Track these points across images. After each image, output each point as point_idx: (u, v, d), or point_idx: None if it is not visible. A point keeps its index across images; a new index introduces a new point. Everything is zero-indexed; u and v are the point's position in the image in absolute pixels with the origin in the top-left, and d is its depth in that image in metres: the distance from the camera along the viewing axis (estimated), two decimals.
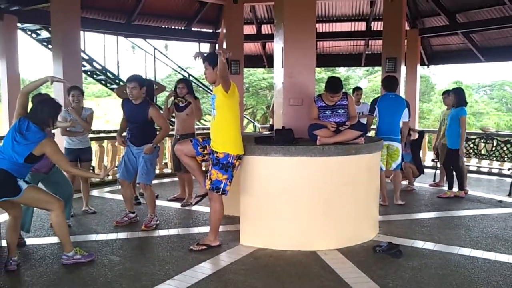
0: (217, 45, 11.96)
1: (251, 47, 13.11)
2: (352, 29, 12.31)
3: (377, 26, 11.81)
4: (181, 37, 12.15)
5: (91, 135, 6.53)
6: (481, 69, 49.24)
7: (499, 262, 4.09)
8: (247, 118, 17.32)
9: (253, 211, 4.52)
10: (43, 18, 8.75)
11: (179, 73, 13.71)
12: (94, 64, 11.03)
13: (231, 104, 4.25)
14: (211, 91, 4.73)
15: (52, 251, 4.36)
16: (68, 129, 5.54)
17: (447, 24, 10.69)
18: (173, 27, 11.73)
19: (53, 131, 4.61)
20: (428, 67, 12.93)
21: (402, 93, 9.63)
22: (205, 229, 4.92)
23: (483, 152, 8.27)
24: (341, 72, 25.78)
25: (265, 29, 12.53)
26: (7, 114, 8.64)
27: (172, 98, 6.20)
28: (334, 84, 4.94)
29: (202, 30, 12.20)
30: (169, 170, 8.83)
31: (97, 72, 11.26)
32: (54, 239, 4.63)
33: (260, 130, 12.77)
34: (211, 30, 12.28)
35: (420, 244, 4.59)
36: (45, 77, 4.19)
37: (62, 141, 5.57)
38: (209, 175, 4.32)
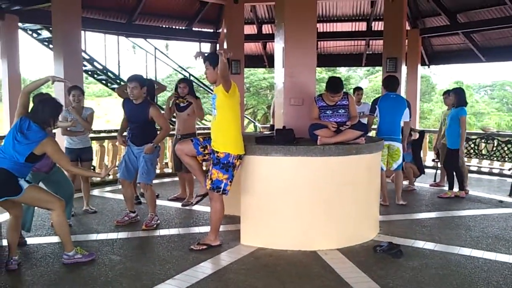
0: (217, 45, 11.97)
1: (251, 47, 13.12)
2: (353, 29, 12.32)
3: (378, 26, 11.82)
4: (182, 37, 12.17)
5: (91, 135, 6.54)
6: (482, 69, 49.28)
7: (499, 262, 4.08)
8: (248, 118, 17.32)
9: (253, 211, 4.52)
10: (44, 18, 8.77)
11: (180, 73, 13.73)
12: (95, 63, 11.05)
13: (232, 104, 4.25)
14: (212, 91, 4.72)
15: (53, 250, 4.37)
16: (68, 128, 5.55)
17: (447, 24, 10.69)
18: (173, 27, 11.74)
19: (53, 130, 4.61)
20: (428, 67, 12.93)
21: (402, 93, 9.63)
22: (206, 228, 4.93)
23: (483, 152, 8.28)
24: (342, 72, 25.78)
25: (266, 29, 12.53)
26: (8, 113, 8.66)
27: (174, 98, 6.21)
28: (334, 84, 4.94)
29: (202, 30, 12.21)
30: (169, 170, 8.83)
31: (98, 72, 11.27)
32: (54, 239, 4.63)
33: (261, 130, 12.77)
34: (211, 30, 12.29)
35: (420, 244, 4.59)
36: (46, 77, 4.20)
37: (62, 141, 5.58)
38: (209, 174, 4.32)
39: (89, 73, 11.41)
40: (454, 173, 6.87)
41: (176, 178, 7.36)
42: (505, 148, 7.84)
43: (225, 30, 10.84)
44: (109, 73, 11.34)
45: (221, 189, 4.29)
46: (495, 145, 8.03)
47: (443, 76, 33.24)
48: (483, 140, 8.28)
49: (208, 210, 4.78)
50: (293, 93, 5.47)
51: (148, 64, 12.16)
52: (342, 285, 3.59)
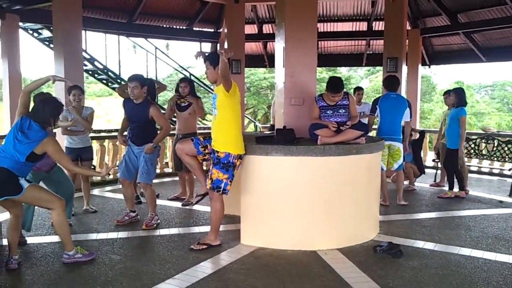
0: (218, 45, 11.97)
1: (252, 47, 13.11)
2: (354, 29, 12.31)
3: (379, 26, 11.81)
4: (183, 36, 12.16)
5: (92, 134, 6.54)
6: (482, 69, 49.28)
7: (499, 262, 4.09)
8: (248, 118, 17.31)
9: (253, 211, 4.53)
10: (44, 17, 8.77)
11: (180, 72, 13.74)
12: (96, 63, 11.05)
13: (232, 104, 4.25)
14: (212, 90, 4.73)
15: (53, 250, 4.37)
16: (68, 128, 5.55)
17: (448, 24, 10.68)
18: (174, 26, 11.73)
19: (54, 130, 4.61)
20: (429, 67, 12.92)
21: (403, 93, 9.62)
22: (206, 228, 4.93)
23: (484, 152, 8.28)
24: (342, 72, 25.78)
25: (267, 28, 12.53)
26: (9, 113, 8.66)
27: (176, 99, 6.22)
28: (335, 84, 4.94)
29: (203, 29, 12.21)
30: (170, 170, 8.84)
31: (99, 72, 11.27)
32: (55, 238, 4.64)
33: (261, 130, 12.77)
34: (212, 30, 12.28)
35: (420, 244, 4.59)
36: (47, 76, 4.20)
37: (63, 141, 5.58)
38: (209, 174, 4.32)
39: (90, 72, 11.41)
40: (453, 173, 6.87)
41: (176, 178, 7.37)
42: (506, 148, 7.84)
43: (225, 30, 10.84)
44: (109, 73, 11.34)
45: (221, 189, 4.29)
46: (496, 145, 8.03)
47: (443, 76, 33.31)
48: (483, 140, 8.28)
49: (208, 210, 4.79)
50: (294, 93, 5.47)
51: (148, 63, 12.16)
52: (342, 285, 3.60)
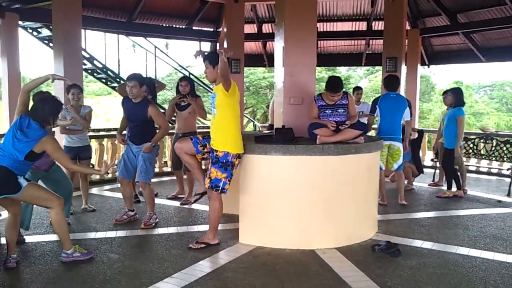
0: (217, 44, 11.97)
1: (251, 46, 13.12)
2: (353, 29, 12.32)
3: (378, 25, 11.82)
4: (182, 35, 12.16)
5: (91, 133, 6.55)
6: (481, 69, 49.29)
7: (497, 262, 4.10)
8: (247, 117, 17.32)
9: (252, 210, 4.53)
10: (44, 16, 8.77)
11: (180, 71, 13.75)
12: (95, 62, 11.05)
13: (232, 103, 4.26)
14: (212, 90, 4.73)
15: (51, 248, 4.38)
16: (67, 127, 5.55)
17: (448, 24, 10.69)
18: (174, 25, 11.73)
19: (53, 129, 4.61)
20: (428, 67, 12.93)
21: (402, 93, 9.62)
22: (204, 227, 4.94)
23: (482, 152, 8.29)
24: (342, 71, 25.77)
25: (266, 28, 12.53)
26: (8, 111, 8.66)
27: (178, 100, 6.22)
28: (334, 84, 4.94)
29: (203, 29, 12.21)
30: (168, 169, 8.83)
31: (98, 71, 11.27)
32: (53, 237, 4.64)
33: (260, 129, 12.78)
34: (212, 29, 12.28)
35: (418, 243, 4.60)
36: (46, 75, 4.20)
37: (61, 139, 5.58)
38: (208, 173, 4.33)
39: (89, 71, 11.41)
40: (451, 173, 6.88)
41: (175, 177, 7.37)
42: (504, 148, 7.85)
43: (225, 29, 10.84)
44: (109, 72, 11.34)
45: (220, 188, 4.30)
46: (494, 145, 8.04)
47: (443, 76, 33.30)
48: (482, 140, 8.29)
49: (207, 209, 4.79)
50: (293, 92, 5.48)
51: (148, 63, 12.18)
52: (340, 284, 3.60)
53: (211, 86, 11.12)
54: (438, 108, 23.78)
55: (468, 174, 7.69)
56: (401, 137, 6.17)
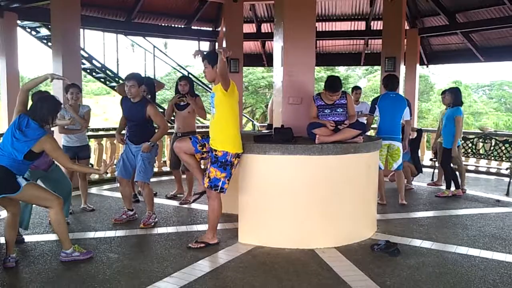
0: (216, 44, 11.97)
1: (250, 46, 13.12)
2: (352, 28, 12.32)
3: (377, 25, 11.82)
4: (181, 35, 12.16)
5: (90, 133, 6.54)
6: (480, 69, 49.32)
7: (496, 261, 4.11)
8: (246, 117, 17.34)
9: (251, 209, 4.53)
10: (43, 15, 8.76)
11: (179, 71, 13.74)
12: (94, 62, 11.03)
13: (231, 103, 4.26)
14: (211, 89, 4.73)
15: (51, 248, 4.37)
16: (65, 127, 5.55)
17: (446, 24, 10.69)
18: (172, 25, 11.73)
19: (52, 128, 4.61)
20: (427, 66, 12.94)
21: (401, 93, 9.63)
22: (204, 227, 4.94)
23: (481, 151, 8.30)
24: (341, 71, 25.78)
25: (265, 27, 12.53)
26: (7, 111, 8.64)
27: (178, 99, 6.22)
28: (333, 83, 4.94)
29: (201, 28, 12.21)
30: (168, 168, 8.82)
31: (97, 70, 11.26)
32: (52, 236, 4.64)
33: (259, 129, 12.78)
34: (210, 29, 12.28)
35: (417, 242, 4.61)
36: (45, 75, 4.20)
37: (60, 139, 5.57)
38: (207, 173, 4.33)
39: (88, 71, 11.39)
40: (450, 172, 6.89)
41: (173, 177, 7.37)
42: (503, 148, 7.86)
43: (224, 29, 10.84)
44: (107, 71, 11.32)
45: (219, 187, 4.30)
46: (493, 144, 8.05)
47: (441, 75, 33.26)
48: (481, 140, 8.30)
49: (206, 208, 4.79)
50: (292, 92, 5.48)
51: (147, 62, 12.16)
52: (340, 283, 3.61)
53: (210, 86, 11.12)
54: (437, 108, 23.81)
55: (467, 174, 7.70)
56: (401, 136, 6.17)
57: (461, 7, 10.27)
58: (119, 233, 4.90)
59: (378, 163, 5.30)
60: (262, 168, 4.48)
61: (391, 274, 3.79)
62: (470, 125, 22.91)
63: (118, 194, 6.19)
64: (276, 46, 5.68)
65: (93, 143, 7.71)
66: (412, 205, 6.25)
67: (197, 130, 6.56)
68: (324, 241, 4.44)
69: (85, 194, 5.91)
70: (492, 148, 8.05)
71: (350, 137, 4.71)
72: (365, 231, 4.80)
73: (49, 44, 9.29)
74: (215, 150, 4.27)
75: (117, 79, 11.26)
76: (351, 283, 3.58)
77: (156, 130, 5.25)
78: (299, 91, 5.47)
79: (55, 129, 5.61)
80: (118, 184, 5.43)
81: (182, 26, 11.81)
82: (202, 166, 4.88)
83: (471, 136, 8.46)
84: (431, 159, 8.37)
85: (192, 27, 11.89)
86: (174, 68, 14.60)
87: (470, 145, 8.22)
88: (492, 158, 8.15)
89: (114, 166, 6.63)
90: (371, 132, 7.57)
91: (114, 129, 7.71)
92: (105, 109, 27.91)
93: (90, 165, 6.38)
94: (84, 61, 10.34)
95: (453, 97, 6.75)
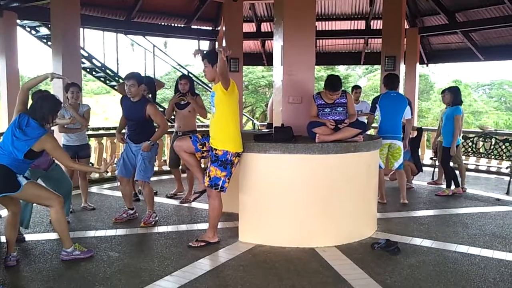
0: (216, 43, 11.96)
1: (250, 45, 13.12)
2: (352, 28, 12.32)
3: (377, 24, 11.83)
4: (181, 34, 12.15)
5: (90, 132, 6.54)
6: (480, 68, 49.29)
7: (496, 260, 4.11)
8: (246, 116, 17.32)
9: (251, 208, 4.54)
10: (42, 15, 8.77)
11: (179, 70, 13.74)
12: (94, 61, 11.02)
13: (231, 102, 4.26)
14: (211, 88, 4.74)
15: (51, 247, 4.38)
16: (65, 126, 5.55)
17: (446, 23, 10.69)
18: (172, 24, 11.72)
19: (52, 128, 4.61)
20: (427, 65, 12.94)
21: (401, 92, 9.63)
22: (204, 225, 4.95)
23: (481, 150, 8.30)
24: (341, 70, 25.79)
25: (265, 27, 12.53)
26: (7, 110, 8.64)
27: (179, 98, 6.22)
28: (333, 82, 4.94)
29: (201, 27, 12.20)
30: (168, 167, 8.83)
31: (97, 69, 11.26)
32: (53, 235, 4.64)
33: (259, 128, 12.78)
34: (210, 28, 12.28)
35: (418, 241, 4.61)
36: (45, 74, 4.20)
37: (60, 138, 5.57)
38: (208, 172, 4.33)
39: (88, 70, 11.39)
40: (450, 171, 6.89)
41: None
42: (503, 147, 7.87)
43: (224, 28, 10.83)
44: (107, 71, 11.32)
45: (219, 186, 4.30)
46: (493, 143, 8.06)
47: (441, 74, 33.29)
48: (481, 139, 8.30)
49: (206, 207, 4.80)
50: (292, 91, 5.48)
51: (146, 61, 12.15)
52: (340, 281, 3.61)
53: (210, 85, 11.12)
54: (437, 107, 23.82)
55: (467, 173, 7.71)
56: (402, 135, 6.16)
57: (461, 6, 10.27)
58: (120, 232, 4.90)
59: (378, 162, 5.30)
60: (262, 167, 4.48)
61: (391, 272, 3.79)
62: (470, 124, 22.92)
63: (118, 193, 6.20)
64: (276, 45, 5.68)
65: (93, 142, 7.72)
66: (412, 204, 6.26)
67: (198, 129, 6.56)
68: (325, 240, 4.44)
69: (85, 193, 5.91)
70: (492, 147, 8.06)
71: (350, 136, 4.72)
72: (365, 230, 4.80)
73: (49, 43, 9.29)
74: (215, 149, 4.28)
75: (117, 78, 11.26)
76: (351, 282, 3.58)
77: (156, 129, 5.26)
78: (299, 90, 5.48)
79: (55, 128, 5.62)
80: (118, 183, 5.43)
81: (182, 25, 11.80)
82: (203, 165, 4.88)
83: (471, 135, 8.46)
84: (431, 158, 8.38)
85: (192, 26, 11.89)
86: (174, 68, 14.60)
87: (470, 144, 8.22)
88: (492, 157, 8.16)
89: (114, 165, 6.63)
90: (371, 131, 7.56)
91: (114, 128, 7.71)
92: (105, 108, 27.91)
93: (90, 164, 6.37)
94: (84, 60, 10.34)
95: (453, 96, 6.76)
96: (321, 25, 12.06)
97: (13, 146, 3.73)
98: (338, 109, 5.01)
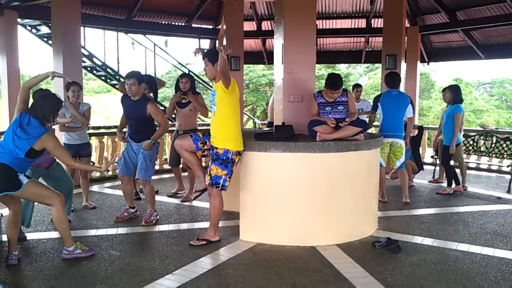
0: (217, 42, 11.96)
1: (251, 44, 13.12)
2: (352, 26, 12.32)
3: (377, 23, 11.82)
4: (181, 33, 12.17)
5: (91, 131, 6.54)
6: (481, 67, 49.28)
7: (497, 258, 4.11)
8: (247, 115, 17.32)
9: (252, 207, 4.54)
10: (43, 13, 8.77)
11: (179, 69, 13.73)
12: (94, 60, 11.03)
13: (231, 100, 4.26)
14: (211, 87, 4.74)
15: (53, 245, 4.39)
16: (66, 124, 5.55)
17: (447, 21, 10.69)
18: (173, 23, 11.73)
19: (53, 126, 4.61)
20: (428, 64, 12.95)
21: (402, 90, 9.62)
22: (205, 224, 4.95)
23: (482, 149, 8.30)
24: (341, 69, 25.78)
25: (265, 25, 12.52)
26: (7, 109, 8.65)
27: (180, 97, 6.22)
28: (334, 81, 4.94)
29: (202, 26, 12.20)
30: (169, 166, 8.83)
31: (97, 68, 11.27)
32: (54, 234, 4.65)
33: (260, 127, 12.78)
34: (211, 27, 12.28)
35: (419, 239, 4.61)
36: (46, 72, 4.20)
37: (61, 137, 5.57)
38: (209, 170, 4.33)
39: (88, 69, 11.40)
40: (450, 169, 6.89)
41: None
42: (504, 145, 7.87)
43: (224, 27, 10.83)
44: (108, 69, 11.33)
45: (220, 185, 4.31)
46: (494, 142, 8.06)
47: (442, 73, 33.31)
48: (482, 137, 8.30)
49: (207, 206, 4.80)
50: (293, 89, 5.47)
51: (147, 60, 12.16)
52: (341, 280, 3.61)
53: (210, 84, 11.11)
54: (438, 105, 23.81)
55: (468, 171, 7.69)
56: (404, 134, 6.15)
57: (461, 4, 10.26)
58: (121, 230, 4.91)
59: (379, 161, 5.30)
60: (263, 165, 4.48)
61: (392, 271, 3.79)
62: (471, 123, 22.90)
63: (119, 192, 6.20)
64: (277, 43, 5.68)
65: (94, 141, 7.72)
66: (413, 203, 6.25)
67: (198, 127, 6.56)
68: (325, 239, 4.44)
69: (86, 192, 5.92)
70: (493, 145, 8.06)
71: (351, 135, 4.71)
72: (366, 228, 4.80)
73: (50, 42, 9.30)
74: (216, 148, 4.28)
75: (117, 77, 11.27)
76: (352, 280, 3.58)
77: (157, 128, 5.26)
78: (299, 88, 5.47)
79: (55, 127, 5.63)
80: (119, 182, 5.44)
81: (183, 24, 11.81)
82: (204, 164, 4.88)
83: (472, 134, 8.46)
84: (432, 157, 8.38)
85: (193, 25, 11.89)
86: (175, 66, 14.61)
87: (471, 142, 8.22)
88: (493, 155, 8.16)
89: (115, 164, 6.64)
90: (372, 130, 7.55)
91: (115, 127, 7.72)
92: (105, 107, 27.93)
93: (91, 163, 6.38)
94: (84, 59, 10.35)
95: (453, 94, 6.75)
96: (321, 24, 12.06)
97: (14, 145, 3.73)
98: (339, 107, 5.01)
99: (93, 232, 4.86)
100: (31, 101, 4.15)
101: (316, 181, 4.44)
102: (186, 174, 6.65)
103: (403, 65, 10.02)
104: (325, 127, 4.76)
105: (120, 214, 5.34)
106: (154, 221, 5.16)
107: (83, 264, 3.89)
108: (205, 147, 4.45)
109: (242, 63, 10.61)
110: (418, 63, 11.60)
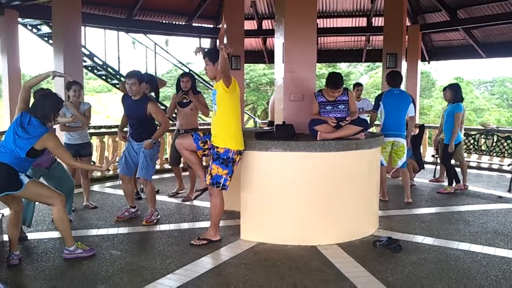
0: (217, 41, 11.95)
1: (252, 43, 13.11)
2: (353, 25, 12.31)
3: (378, 21, 11.81)
4: (182, 32, 12.17)
5: (91, 130, 6.54)
6: (482, 65, 49.30)
7: (498, 257, 4.11)
8: (248, 114, 17.31)
9: (253, 206, 4.54)
10: (44, 13, 8.77)
11: (180, 68, 13.72)
12: (95, 59, 11.03)
13: (232, 100, 4.26)
14: (212, 86, 4.73)
15: (54, 245, 4.39)
16: (67, 124, 5.55)
17: (448, 20, 10.68)
18: (173, 22, 11.73)
19: (54, 126, 4.61)
20: (429, 63, 12.94)
21: (403, 89, 9.61)
22: (206, 224, 4.95)
23: (483, 148, 8.29)
24: (342, 67, 25.78)
25: (266, 24, 12.51)
26: (8, 109, 8.65)
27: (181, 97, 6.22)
28: (335, 80, 4.94)
29: (202, 25, 12.20)
30: (170, 166, 8.83)
31: (98, 67, 11.26)
32: (55, 234, 4.65)
33: (261, 126, 12.77)
34: (211, 26, 12.28)
35: (419, 239, 4.61)
36: (47, 72, 4.21)
37: (61, 137, 5.58)
38: (209, 170, 4.34)
39: (89, 68, 11.40)
40: (450, 168, 6.88)
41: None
42: (505, 144, 7.86)
43: (225, 26, 10.81)
44: (109, 69, 11.33)
45: (221, 184, 4.31)
46: (495, 140, 8.05)
47: (443, 72, 33.25)
48: (483, 136, 8.29)
49: (208, 205, 4.80)
50: (293, 88, 5.47)
51: (148, 59, 12.15)
52: (342, 279, 3.61)
53: (211, 83, 11.11)
54: (439, 104, 23.79)
55: (469, 170, 7.69)
56: (405, 133, 6.14)
57: (462, 3, 10.26)
58: (122, 230, 4.91)
59: (379, 160, 5.30)
60: (264, 165, 4.48)
61: (393, 270, 3.79)
62: (472, 122, 22.89)
63: (120, 192, 6.21)
64: (277, 43, 5.67)
65: (95, 141, 7.72)
66: (414, 202, 6.24)
67: (199, 127, 6.56)
68: (326, 238, 4.44)
69: (87, 191, 5.93)
70: (494, 144, 8.05)
71: (352, 134, 4.71)
72: (367, 227, 4.80)
73: (50, 41, 9.30)
74: (217, 147, 4.28)
75: (118, 76, 11.27)
76: (353, 280, 3.58)
77: (157, 127, 5.26)
78: (300, 87, 5.47)
79: (56, 126, 5.63)
80: (120, 181, 5.44)
81: (183, 23, 11.80)
82: (204, 163, 4.88)
83: (473, 132, 8.45)
84: (433, 156, 8.37)
85: (193, 24, 11.89)
86: (175, 65, 14.59)
87: (472, 141, 8.21)
88: (494, 154, 8.15)
89: (116, 163, 6.64)
90: (373, 129, 7.55)
91: (116, 126, 7.72)
92: (106, 107, 27.95)
93: (92, 163, 6.38)
94: (85, 58, 10.35)
95: (453, 93, 6.75)
96: (322, 23, 12.05)
97: (15, 145, 3.73)
98: (340, 106, 5.00)
99: (94, 231, 4.86)
100: (32, 100, 4.15)
101: (316, 180, 4.44)
102: (186, 173, 6.66)
103: (404, 64, 10.01)
104: (326, 126, 4.76)
105: (121, 214, 5.34)
106: (155, 221, 5.16)
107: (84, 264, 3.90)
108: (206, 147, 4.45)
109: (243, 62, 10.58)
110: (419, 61, 11.58)
